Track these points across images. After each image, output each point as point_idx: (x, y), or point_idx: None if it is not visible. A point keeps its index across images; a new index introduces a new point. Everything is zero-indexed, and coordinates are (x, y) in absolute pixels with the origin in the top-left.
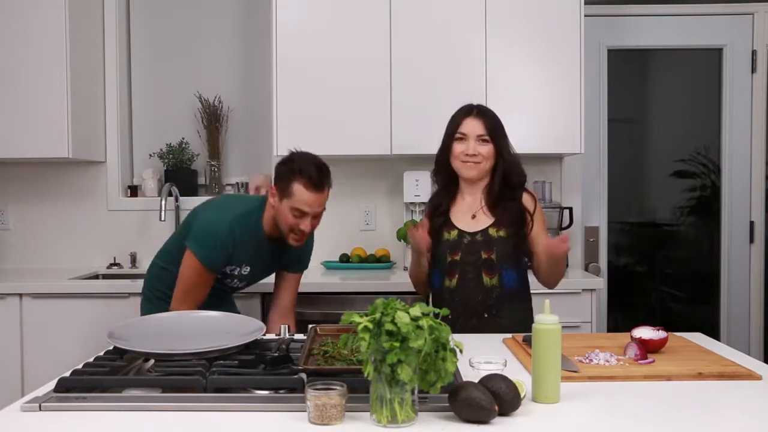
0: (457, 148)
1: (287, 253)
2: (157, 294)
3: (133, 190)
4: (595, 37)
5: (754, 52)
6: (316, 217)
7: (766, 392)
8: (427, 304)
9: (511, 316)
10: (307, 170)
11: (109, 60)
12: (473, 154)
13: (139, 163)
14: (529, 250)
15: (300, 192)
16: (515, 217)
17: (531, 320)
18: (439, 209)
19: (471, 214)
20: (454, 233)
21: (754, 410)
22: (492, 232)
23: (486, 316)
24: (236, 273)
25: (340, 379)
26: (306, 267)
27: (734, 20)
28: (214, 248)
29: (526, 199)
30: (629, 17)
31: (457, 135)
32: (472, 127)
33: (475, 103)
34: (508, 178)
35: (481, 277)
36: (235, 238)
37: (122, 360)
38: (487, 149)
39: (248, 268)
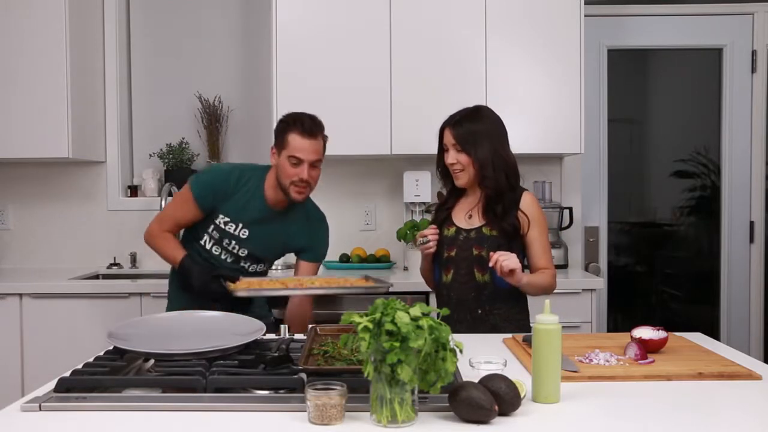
0: (445, 158)
1: (296, 236)
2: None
3: (133, 190)
4: (595, 37)
5: (754, 52)
6: (314, 167)
7: (766, 392)
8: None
9: (503, 314)
10: (299, 120)
11: (109, 60)
12: (453, 163)
13: (139, 163)
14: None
15: (294, 140)
16: (506, 229)
17: (525, 321)
18: (445, 205)
19: (468, 214)
20: (452, 230)
21: (754, 410)
22: (485, 230)
23: (479, 312)
24: (232, 231)
25: (340, 379)
26: (321, 257)
27: (734, 20)
28: (206, 180)
29: (526, 202)
30: (629, 17)
31: (443, 146)
32: (447, 137)
33: (471, 105)
34: (482, 185)
35: (473, 273)
36: (232, 182)
37: (122, 360)
38: (463, 157)
39: (246, 232)
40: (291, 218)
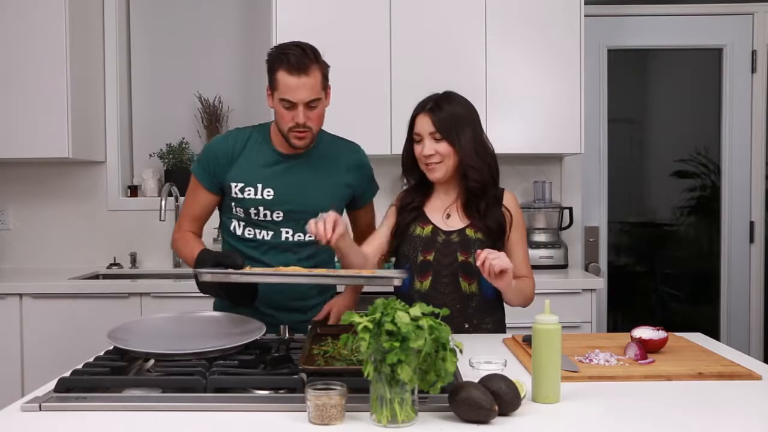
0: (416, 149)
1: (337, 175)
2: None
3: (133, 190)
4: (595, 37)
5: (754, 52)
6: (311, 108)
7: (766, 392)
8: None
9: (491, 328)
10: (286, 53)
11: (109, 60)
12: (430, 155)
13: (139, 163)
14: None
15: (283, 78)
16: (492, 228)
17: (505, 331)
18: (409, 205)
19: (445, 213)
20: (428, 229)
21: (754, 410)
22: (470, 232)
23: (467, 326)
24: (254, 196)
25: (340, 379)
26: (369, 198)
27: (734, 20)
28: (204, 154)
29: (508, 200)
30: (629, 17)
31: (414, 137)
32: (423, 125)
33: (441, 92)
34: (465, 179)
35: (458, 282)
36: (230, 142)
37: (122, 360)
38: (443, 147)
39: (270, 191)
40: (321, 157)
